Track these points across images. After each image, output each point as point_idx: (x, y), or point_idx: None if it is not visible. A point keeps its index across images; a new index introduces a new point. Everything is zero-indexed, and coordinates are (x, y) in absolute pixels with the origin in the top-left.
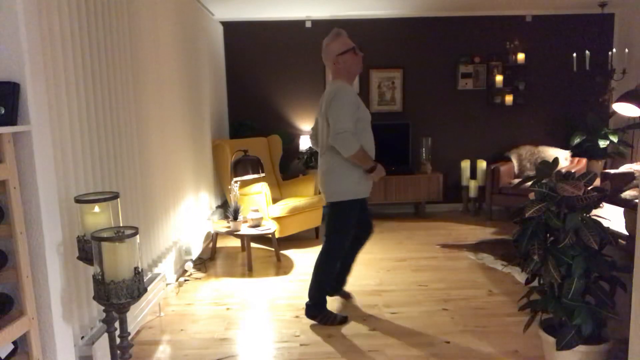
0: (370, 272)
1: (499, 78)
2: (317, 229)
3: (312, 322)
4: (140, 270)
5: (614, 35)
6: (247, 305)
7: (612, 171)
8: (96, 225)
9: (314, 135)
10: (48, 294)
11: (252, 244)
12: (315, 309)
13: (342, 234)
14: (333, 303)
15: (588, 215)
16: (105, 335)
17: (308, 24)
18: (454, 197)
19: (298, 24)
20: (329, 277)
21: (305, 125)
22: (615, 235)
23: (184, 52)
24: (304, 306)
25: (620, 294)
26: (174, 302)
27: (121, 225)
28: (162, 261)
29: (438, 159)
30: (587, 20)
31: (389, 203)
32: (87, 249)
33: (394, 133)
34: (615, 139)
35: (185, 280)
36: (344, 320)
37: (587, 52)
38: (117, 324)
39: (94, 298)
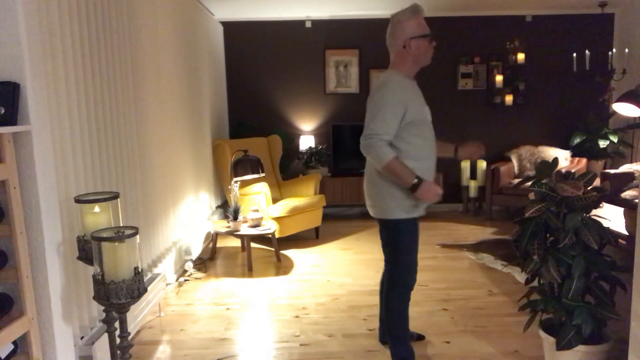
0: (370, 272)
1: (499, 78)
2: (317, 229)
3: (312, 322)
4: (140, 270)
5: (614, 35)
6: (247, 305)
7: (612, 171)
8: (96, 225)
9: None
10: (48, 294)
11: (252, 244)
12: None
13: (405, 259)
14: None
15: (588, 215)
16: (105, 335)
17: (308, 24)
18: (454, 197)
19: (298, 24)
20: (405, 311)
21: (305, 125)
22: (615, 235)
23: (184, 52)
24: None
25: (620, 294)
26: (174, 302)
27: (121, 225)
28: (162, 261)
29: (438, 159)
30: (587, 20)
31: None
32: (87, 249)
33: None
34: (615, 139)
35: (185, 280)
36: (420, 337)
37: (587, 52)
38: (117, 324)
39: (94, 298)
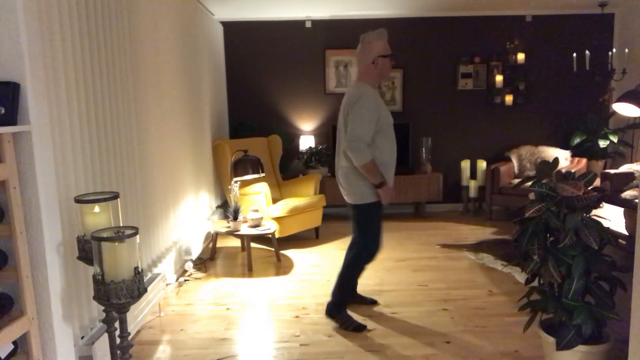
0: (370, 272)
1: (499, 78)
2: (317, 229)
3: (312, 322)
4: (140, 270)
5: (614, 35)
6: (247, 305)
7: (612, 171)
8: (96, 225)
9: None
10: (48, 294)
11: (252, 244)
12: (335, 308)
13: (373, 234)
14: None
15: (588, 215)
16: (105, 335)
17: (308, 24)
18: (454, 197)
19: (298, 24)
20: (356, 278)
21: (305, 125)
22: (615, 235)
23: (184, 52)
24: (326, 305)
25: (620, 294)
26: (174, 302)
27: (121, 225)
28: (162, 261)
29: (438, 159)
30: (587, 20)
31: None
32: (87, 249)
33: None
34: (615, 139)
35: (185, 280)
36: (360, 328)
37: (587, 52)
38: (117, 324)
39: (94, 298)
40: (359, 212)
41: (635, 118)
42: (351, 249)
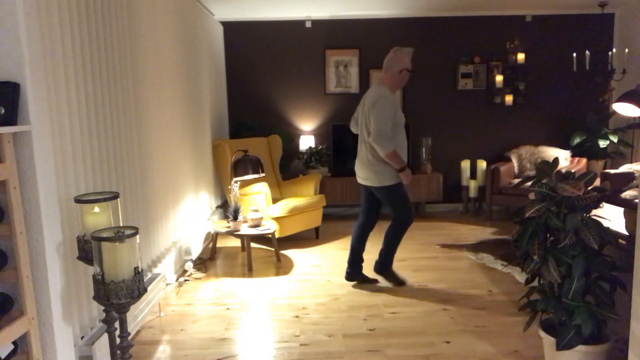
0: (371, 272)
1: (499, 78)
2: (317, 229)
3: (312, 322)
4: (140, 270)
5: (614, 35)
6: (247, 305)
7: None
8: (96, 225)
9: (356, 119)
10: (48, 294)
11: (252, 244)
12: (382, 267)
13: (403, 207)
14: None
15: (588, 215)
16: (105, 335)
17: (308, 24)
18: (454, 197)
19: (298, 24)
20: (398, 245)
21: (305, 125)
22: (615, 235)
23: (184, 52)
24: (375, 266)
25: (620, 294)
26: (174, 302)
27: (121, 225)
28: (162, 261)
29: (438, 159)
30: (587, 20)
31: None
32: (87, 249)
33: None
34: (615, 139)
35: (185, 280)
36: (402, 283)
37: (587, 52)
38: (117, 324)
39: (94, 298)
40: (386, 193)
41: (635, 118)
42: (363, 228)
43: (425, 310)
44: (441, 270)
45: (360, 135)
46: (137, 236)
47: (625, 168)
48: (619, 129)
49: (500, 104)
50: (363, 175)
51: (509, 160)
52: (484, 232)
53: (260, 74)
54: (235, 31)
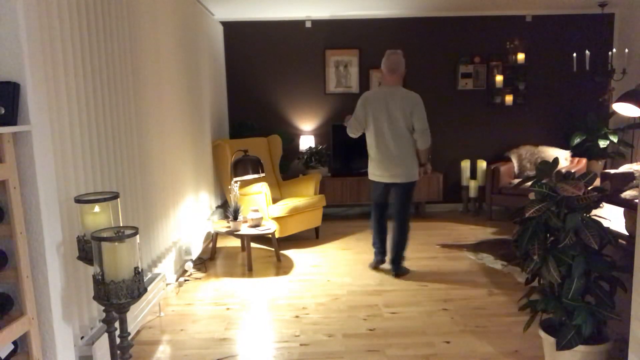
0: (370, 272)
1: (499, 78)
2: (317, 229)
3: (312, 322)
4: (140, 270)
5: (614, 35)
6: (247, 305)
7: (612, 171)
8: (96, 225)
9: (361, 122)
10: (48, 294)
11: (252, 244)
12: (402, 259)
13: (410, 204)
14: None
15: (588, 215)
16: (105, 335)
17: (308, 24)
18: (454, 197)
19: (298, 24)
20: (408, 234)
21: (305, 125)
22: (615, 235)
23: (184, 52)
24: (393, 268)
25: (620, 294)
26: (174, 302)
27: (121, 225)
28: (162, 261)
29: (438, 159)
30: (587, 20)
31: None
32: (87, 249)
33: None
34: (615, 139)
35: (185, 280)
36: (406, 272)
37: (587, 52)
38: (117, 324)
39: (94, 298)
40: (410, 188)
41: (635, 118)
42: (404, 218)
43: (425, 310)
44: (441, 270)
45: (392, 133)
46: (137, 236)
47: (625, 168)
48: (619, 129)
49: (500, 104)
50: (397, 171)
51: (509, 160)
52: (484, 232)
53: (260, 74)
54: (235, 31)
